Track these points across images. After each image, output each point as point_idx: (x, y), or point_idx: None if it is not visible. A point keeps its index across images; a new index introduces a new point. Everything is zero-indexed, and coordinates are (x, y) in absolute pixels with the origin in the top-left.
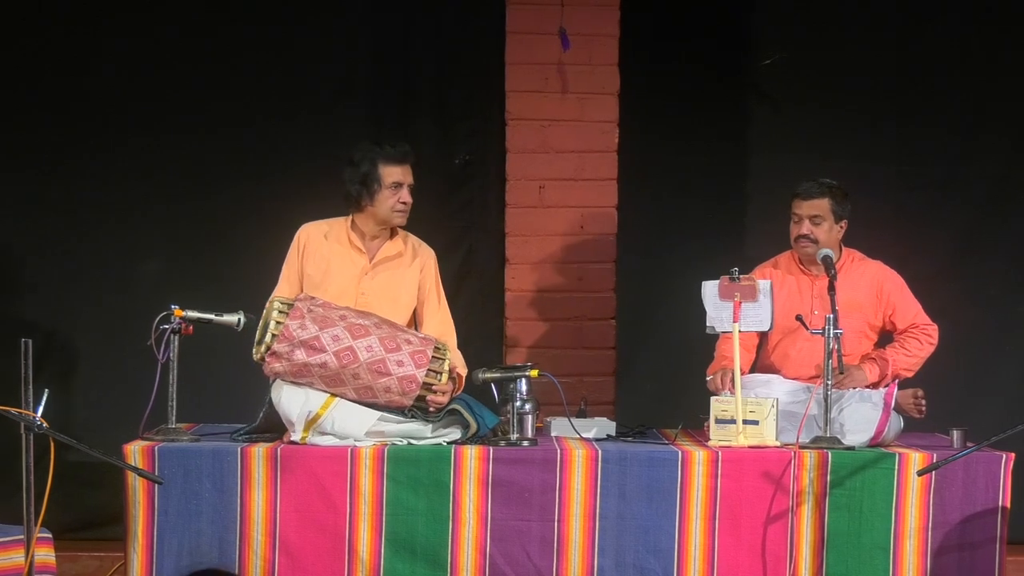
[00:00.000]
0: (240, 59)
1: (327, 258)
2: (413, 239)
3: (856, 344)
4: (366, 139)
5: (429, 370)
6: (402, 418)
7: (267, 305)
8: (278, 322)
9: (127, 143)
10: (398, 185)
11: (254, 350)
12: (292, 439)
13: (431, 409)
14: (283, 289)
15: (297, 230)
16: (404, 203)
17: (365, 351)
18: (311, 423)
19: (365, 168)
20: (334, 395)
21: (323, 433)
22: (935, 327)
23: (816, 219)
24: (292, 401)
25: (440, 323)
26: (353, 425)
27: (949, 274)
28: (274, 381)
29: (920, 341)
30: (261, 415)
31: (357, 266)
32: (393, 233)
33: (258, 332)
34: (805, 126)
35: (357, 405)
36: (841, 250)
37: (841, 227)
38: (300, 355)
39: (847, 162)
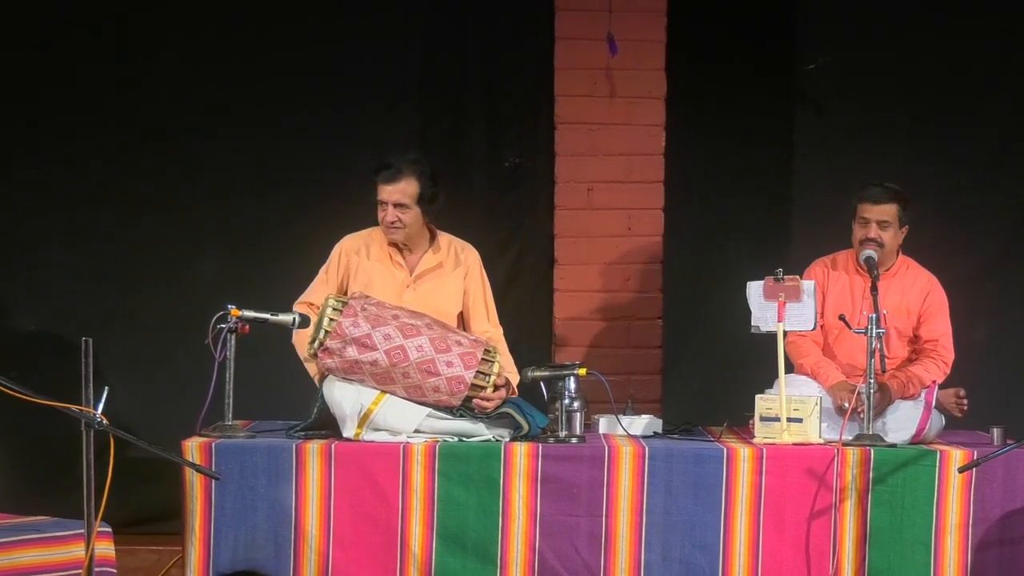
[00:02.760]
0: (297, 61)
1: (368, 273)
2: (456, 243)
3: (901, 347)
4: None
5: (478, 372)
6: (451, 416)
7: (295, 306)
8: (331, 319)
9: (186, 144)
10: (382, 203)
11: (307, 346)
12: (345, 435)
13: (479, 411)
14: (315, 294)
15: (356, 225)
16: (389, 222)
17: (415, 351)
18: (363, 419)
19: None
20: (384, 392)
21: (375, 429)
22: (952, 357)
23: (884, 224)
24: (344, 397)
25: (489, 328)
26: (404, 420)
27: (990, 274)
28: (325, 378)
29: (937, 367)
30: (315, 411)
31: (398, 280)
32: (432, 241)
33: (312, 329)
34: (848, 128)
35: (407, 402)
36: (897, 255)
37: (903, 232)
38: (352, 352)
39: (888, 163)
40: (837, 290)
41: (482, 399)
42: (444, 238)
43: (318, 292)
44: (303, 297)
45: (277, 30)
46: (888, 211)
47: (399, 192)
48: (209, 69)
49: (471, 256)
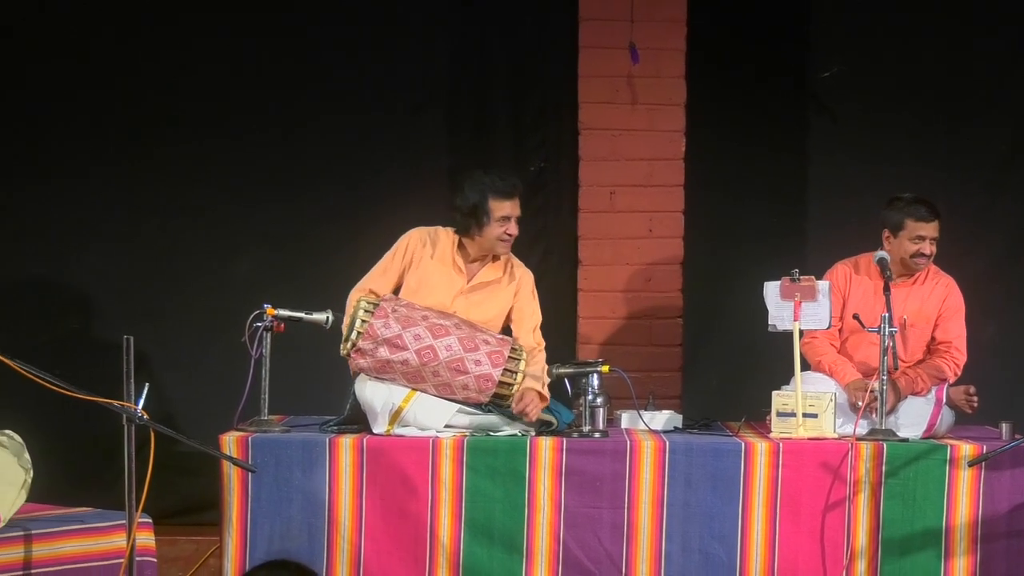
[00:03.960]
0: (329, 67)
1: (428, 272)
2: (514, 261)
3: (919, 352)
4: (477, 167)
5: (505, 369)
6: (479, 411)
7: (354, 303)
8: (363, 320)
9: (221, 147)
10: (506, 219)
11: (341, 346)
12: (376, 432)
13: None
14: (375, 280)
15: (385, 226)
16: (510, 235)
17: (444, 350)
18: (394, 417)
19: (474, 200)
20: (415, 390)
21: (405, 425)
22: (964, 360)
23: (935, 240)
24: (375, 396)
25: (533, 344)
26: (433, 418)
27: (999, 274)
28: (357, 376)
29: (948, 367)
30: (348, 408)
31: (454, 286)
32: (496, 256)
33: (345, 329)
34: (860, 133)
35: (437, 399)
36: None
37: None
38: (383, 352)
39: (900, 166)
40: (859, 293)
41: (528, 410)
42: (504, 255)
43: (378, 280)
44: (363, 283)
45: (310, 35)
46: (937, 227)
47: (519, 207)
48: (244, 74)
49: (525, 276)
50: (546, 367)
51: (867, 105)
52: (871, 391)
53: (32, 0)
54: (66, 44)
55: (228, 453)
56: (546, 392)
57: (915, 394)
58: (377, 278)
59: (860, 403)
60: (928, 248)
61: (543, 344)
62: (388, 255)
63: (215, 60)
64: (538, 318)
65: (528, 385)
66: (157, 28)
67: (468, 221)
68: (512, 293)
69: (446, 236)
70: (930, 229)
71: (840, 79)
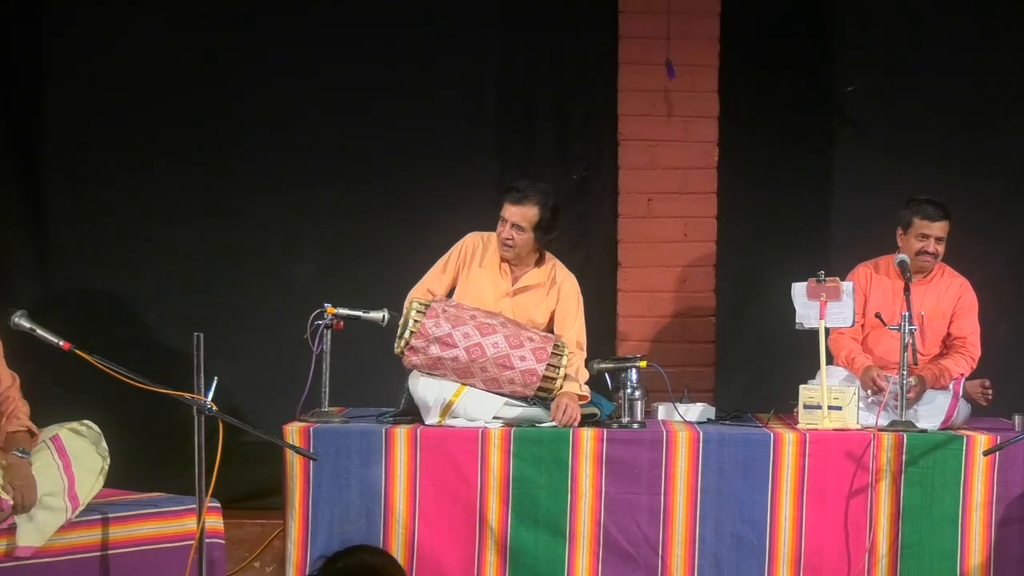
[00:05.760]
0: (387, 81)
1: (477, 275)
2: (558, 269)
3: (935, 345)
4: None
5: (549, 364)
6: (525, 404)
7: (406, 304)
8: (416, 320)
9: (288, 156)
10: (503, 220)
11: (395, 344)
12: (429, 423)
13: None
14: (432, 280)
15: (437, 230)
16: (504, 238)
17: (492, 347)
18: (445, 409)
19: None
20: (464, 384)
21: (455, 417)
22: (979, 354)
23: (940, 240)
24: (428, 390)
25: (571, 341)
26: (481, 410)
27: (1013, 274)
28: (411, 372)
29: (965, 361)
30: (403, 401)
31: (500, 289)
32: (540, 262)
33: (399, 328)
34: (883, 141)
35: (485, 392)
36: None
37: None
38: (435, 350)
39: (920, 174)
40: (879, 292)
41: (567, 417)
42: (550, 262)
43: (435, 281)
44: (421, 284)
45: (367, 46)
46: (945, 227)
47: (520, 214)
48: (307, 82)
49: (567, 283)
50: (582, 367)
51: (889, 114)
52: (885, 377)
53: (92, 15)
54: (133, 55)
55: (291, 442)
56: (585, 390)
57: (937, 388)
58: (434, 279)
59: (872, 389)
60: (932, 247)
61: (583, 353)
62: (445, 257)
63: (278, 68)
64: (581, 333)
65: (565, 389)
66: (222, 29)
67: None
68: (554, 299)
69: (496, 242)
70: (936, 229)
71: (864, 91)
